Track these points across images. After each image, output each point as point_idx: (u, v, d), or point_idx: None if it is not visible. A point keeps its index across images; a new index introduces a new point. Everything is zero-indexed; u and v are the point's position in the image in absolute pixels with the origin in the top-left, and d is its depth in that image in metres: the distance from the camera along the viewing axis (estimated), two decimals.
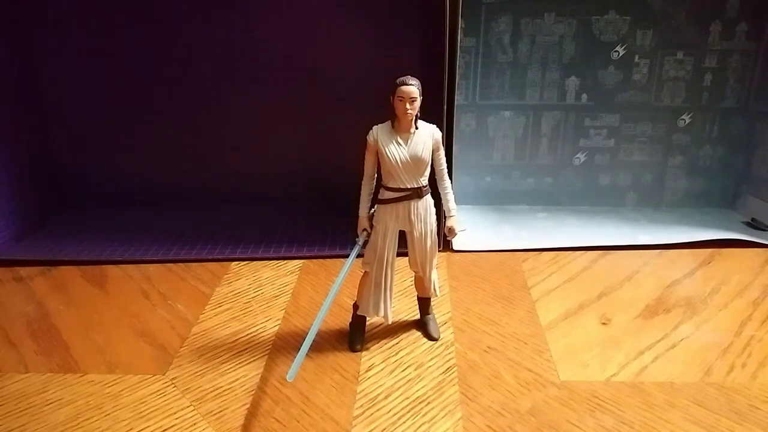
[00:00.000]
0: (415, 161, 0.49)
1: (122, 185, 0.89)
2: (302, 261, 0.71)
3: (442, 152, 0.51)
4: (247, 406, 0.47)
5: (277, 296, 0.64)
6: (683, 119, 0.84)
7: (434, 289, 0.55)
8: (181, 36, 0.81)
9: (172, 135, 0.86)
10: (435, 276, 0.54)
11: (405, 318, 0.59)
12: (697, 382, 0.49)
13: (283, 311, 0.61)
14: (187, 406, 0.47)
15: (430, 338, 0.55)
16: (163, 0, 0.79)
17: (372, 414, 0.46)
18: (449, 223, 0.52)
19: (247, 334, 0.57)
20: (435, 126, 0.50)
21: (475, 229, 0.79)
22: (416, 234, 0.51)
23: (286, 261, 0.72)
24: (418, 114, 0.48)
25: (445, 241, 0.72)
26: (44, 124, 0.85)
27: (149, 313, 0.61)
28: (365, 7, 0.80)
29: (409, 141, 0.48)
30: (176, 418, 0.46)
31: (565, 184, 0.87)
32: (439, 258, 0.72)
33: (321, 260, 0.71)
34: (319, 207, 0.86)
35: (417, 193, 0.50)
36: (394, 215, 0.50)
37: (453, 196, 0.53)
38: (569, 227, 0.80)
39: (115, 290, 0.66)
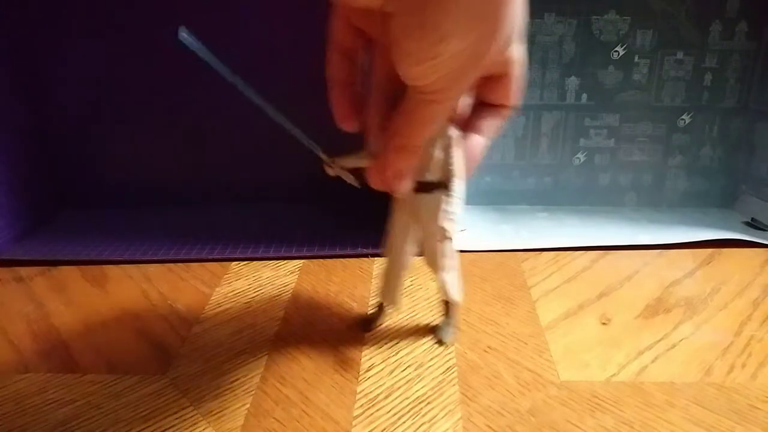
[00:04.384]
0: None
1: (122, 185, 0.89)
2: (302, 261, 0.71)
3: (453, 150, 0.48)
4: (247, 406, 0.47)
5: (277, 296, 0.64)
6: (683, 119, 0.84)
7: (448, 292, 0.53)
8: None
9: (173, 134, 0.86)
10: (450, 278, 0.52)
11: (405, 318, 0.59)
12: (697, 382, 0.49)
13: (283, 311, 0.61)
14: (187, 406, 0.47)
15: (439, 341, 0.55)
16: (164, 0, 0.79)
17: (372, 414, 0.46)
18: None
19: (247, 334, 0.57)
20: (452, 126, 0.46)
21: (475, 229, 0.79)
22: (425, 230, 0.50)
23: (286, 261, 0.72)
24: None
25: None
26: (44, 124, 0.85)
27: (149, 313, 0.61)
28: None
29: None
30: (176, 418, 0.46)
31: (565, 184, 0.87)
32: None
33: (321, 260, 0.71)
34: (319, 207, 0.87)
35: (425, 188, 0.48)
36: (406, 207, 0.50)
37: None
38: (569, 227, 0.80)
39: (115, 290, 0.66)
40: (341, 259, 0.71)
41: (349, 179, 0.50)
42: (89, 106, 0.85)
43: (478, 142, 0.46)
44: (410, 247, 0.52)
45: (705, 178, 0.86)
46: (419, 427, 0.45)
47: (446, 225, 0.48)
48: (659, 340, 0.55)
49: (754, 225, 0.79)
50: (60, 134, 0.86)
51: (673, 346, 0.54)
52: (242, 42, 0.82)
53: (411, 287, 0.64)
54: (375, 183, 0.45)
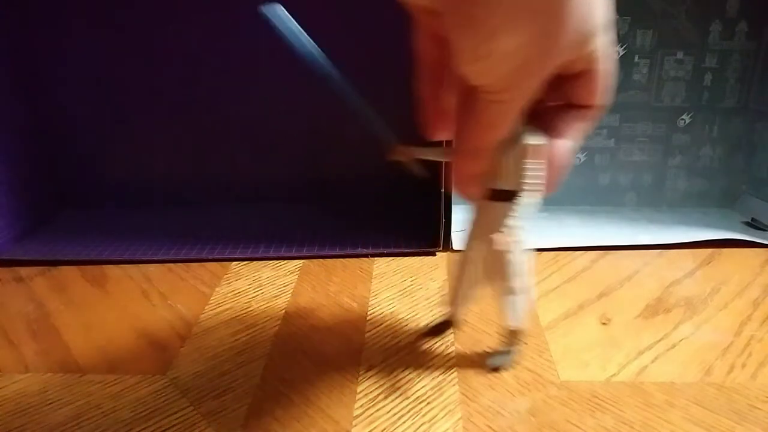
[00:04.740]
0: None
1: (122, 185, 0.89)
2: (302, 261, 0.71)
3: (529, 158, 0.41)
4: (247, 406, 0.47)
5: (277, 296, 0.64)
6: (683, 119, 0.84)
7: (505, 317, 0.47)
8: (182, 35, 0.81)
9: (172, 135, 0.86)
10: (510, 301, 0.46)
11: (405, 318, 0.59)
12: (697, 382, 0.49)
13: (283, 311, 0.61)
14: (187, 406, 0.47)
15: (491, 368, 0.50)
16: (164, 0, 0.79)
17: (372, 414, 0.46)
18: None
19: (247, 334, 0.57)
20: (531, 131, 0.40)
21: None
22: (487, 242, 0.44)
23: (286, 261, 0.72)
24: None
25: (445, 241, 0.72)
26: (44, 124, 0.85)
27: (149, 313, 0.61)
28: (366, 6, 0.80)
29: None
30: (176, 418, 0.46)
31: (565, 184, 0.87)
32: (441, 258, 0.72)
33: (321, 260, 0.71)
34: (319, 207, 0.87)
35: (497, 196, 0.43)
36: (476, 214, 0.46)
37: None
38: (569, 227, 0.80)
39: (115, 290, 0.66)
40: (341, 259, 0.71)
41: (415, 169, 0.46)
42: (89, 106, 0.85)
43: (563, 148, 0.41)
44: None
45: (705, 178, 0.86)
46: (419, 427, 0.45)
47: (497, 238, 0.42)
48: (659, 340, 0.55)
49: (754, 225, 0.79)
50: (60, 134, 0.86)
51: (673, 346, 0.54)
52: (241, 42, 0.82)
53: (411, 287, 0.64)
54: (451, 184, 0.42)
